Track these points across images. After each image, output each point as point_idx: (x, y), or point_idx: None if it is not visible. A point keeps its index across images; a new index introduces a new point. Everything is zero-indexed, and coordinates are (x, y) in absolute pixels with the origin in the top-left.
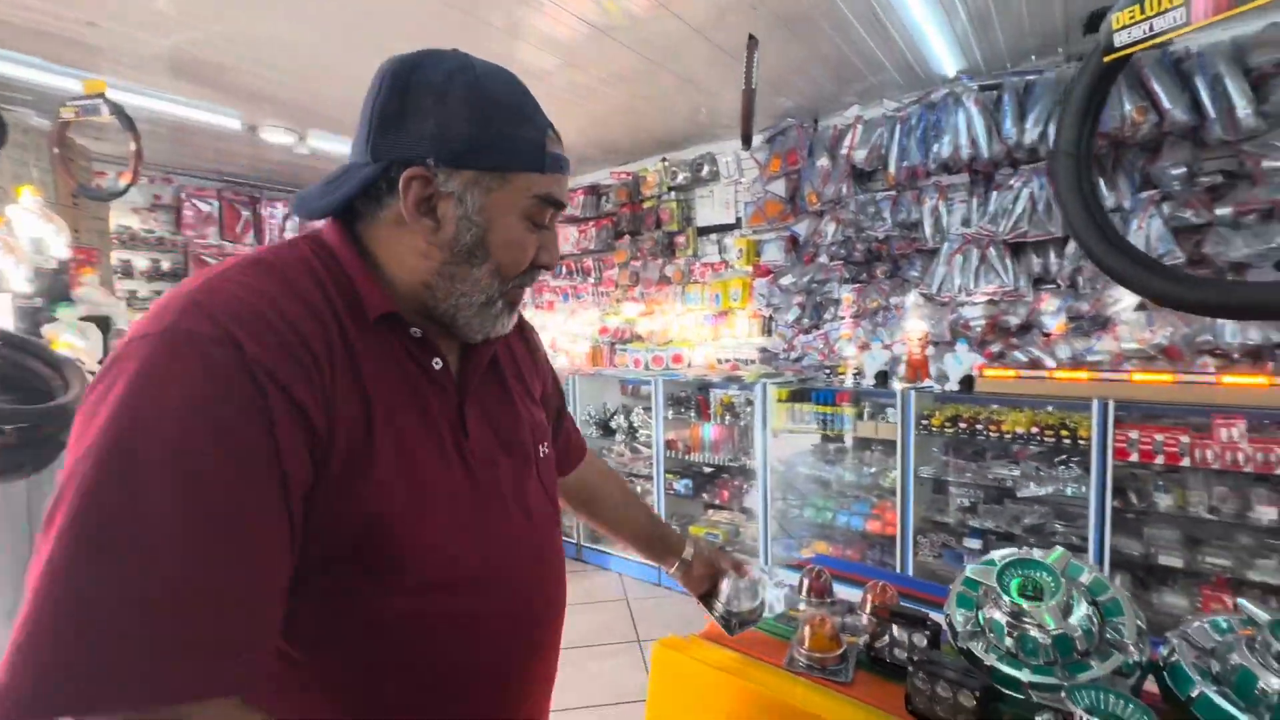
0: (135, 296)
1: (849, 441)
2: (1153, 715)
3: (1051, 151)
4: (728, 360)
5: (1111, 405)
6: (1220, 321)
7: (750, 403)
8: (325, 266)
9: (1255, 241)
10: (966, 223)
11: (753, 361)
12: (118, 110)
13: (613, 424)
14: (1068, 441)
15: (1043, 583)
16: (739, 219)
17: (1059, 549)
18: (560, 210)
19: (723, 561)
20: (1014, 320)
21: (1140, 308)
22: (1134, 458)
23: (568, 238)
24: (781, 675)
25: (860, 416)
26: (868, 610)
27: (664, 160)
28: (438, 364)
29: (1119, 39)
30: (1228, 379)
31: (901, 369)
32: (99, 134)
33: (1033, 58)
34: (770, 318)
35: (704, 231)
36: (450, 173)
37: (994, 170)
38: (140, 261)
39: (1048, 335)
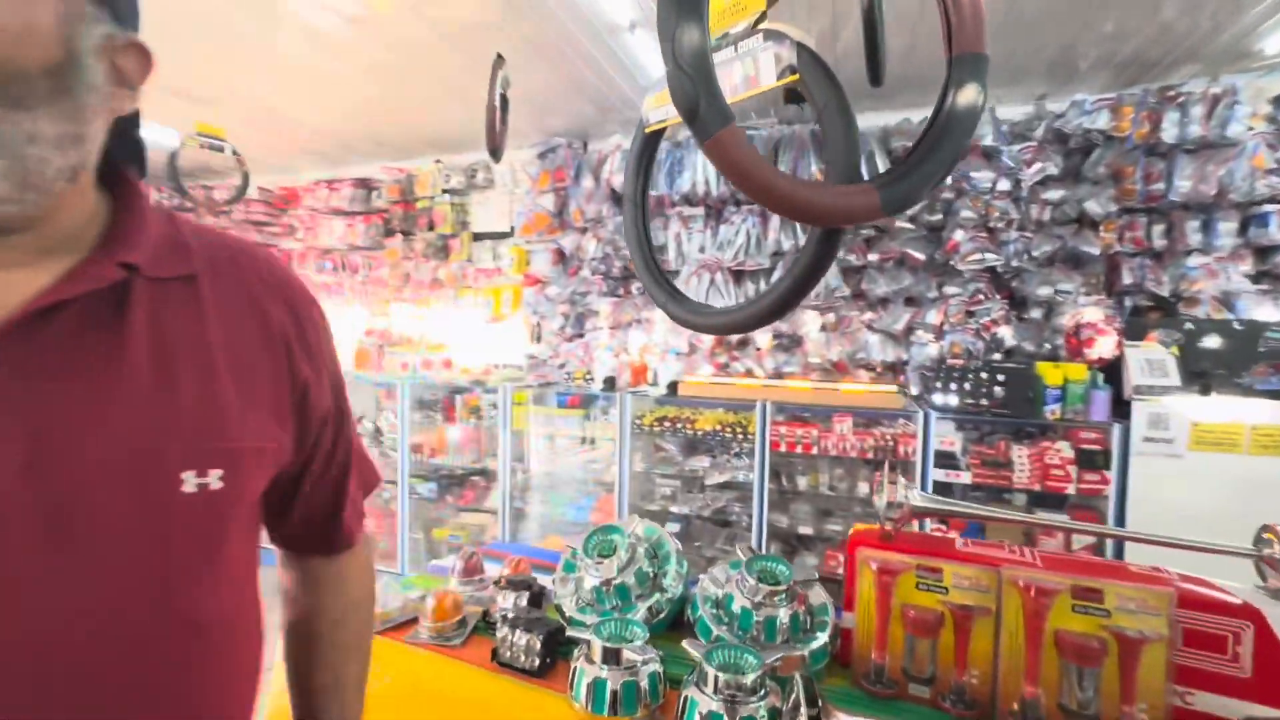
0: None
1: (577, 440)
2: (644, 628)
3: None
4: (502, 365)
5: (769, 405)
6: (871, 342)
7: (495, 405)
8: None
9: (891, 282)
10: (702, 249)
11: (521, 367)
12: None
13: (359, 430)
14: (741, 436)
15: (615, 544)
16: (513, 228)
17: (635, 517)
18: None
19: None
20: (734, 337)
21: (822, 329)
22: (783, 448)
23: (333, 230)
24: (402, 649)
25: (590, 418)
26: (502, 582)
27: (438, 161)
28: None
29: (651, 117)
30: (843, 387)
31: (626, 375)
32: None
33: (752, 115)
34: (538, 325)
35: (480, 237)
36: None
37: (722, 207)
38: None
39: (759, 350)
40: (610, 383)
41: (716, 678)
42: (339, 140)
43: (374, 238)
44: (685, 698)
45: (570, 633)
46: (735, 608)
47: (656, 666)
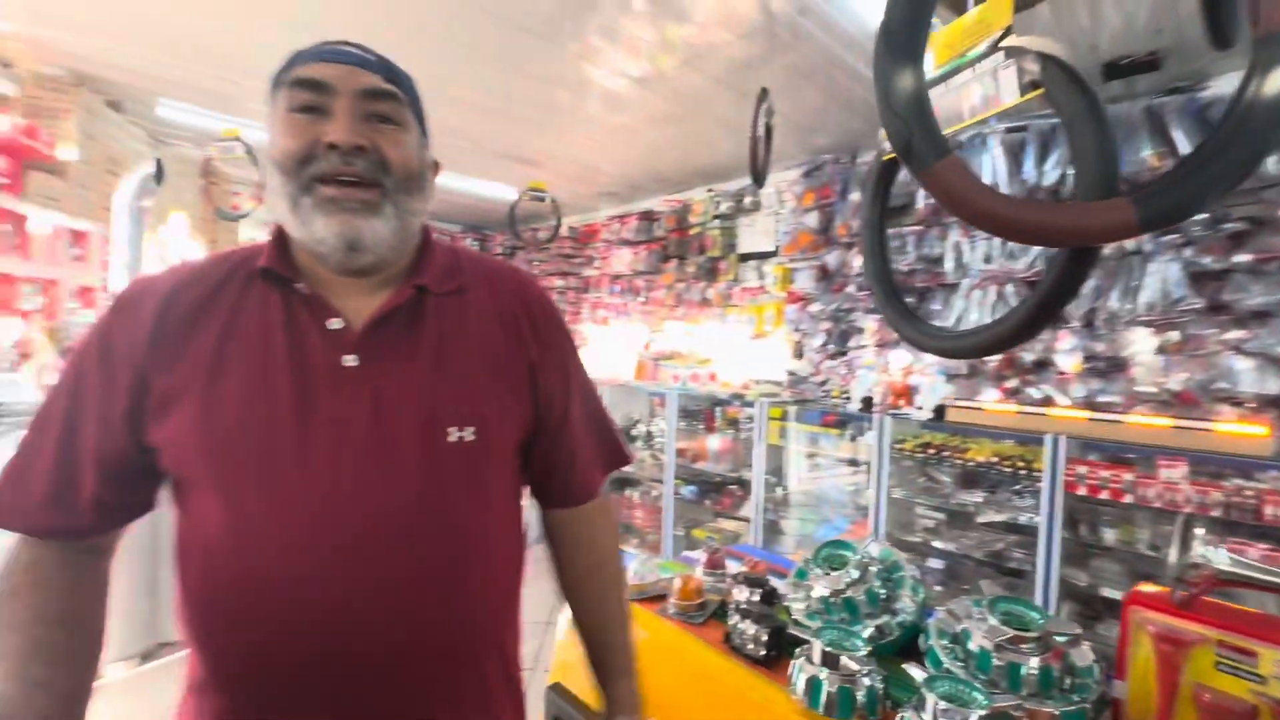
0: None
1: (834, 460)
2: (865, 642)
3: (860, 222)
4: (761, 381)
5: (1064, 441)
6: (1238, 369)
7: (752, 419)
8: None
9: (1275, 289)
10: (988, 259)
11: (781, 383)
12: (248, 149)
13: (634, 432)
14: (1024, 472)
15: (845, 559)
16: (777, 247)
17: (872, 539)
18: (320, 90)
19: None
20: (1029, 357)
21: (1160, 351)
22: (1083, 491)
23: (621, 258)
24: (656, 618)
25: (851, 438)
26: (740, 578)
27: (710, 190)
28: (334, 324)
29: (887, 145)
30: (1174, 423)
31: (884, 395)
32: (238, 163)
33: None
34: (800, 342)
35: (746, 258)
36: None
37: None
38: None
39: (1064, 374)
40: (868, 403)
41: (936, 705)
42: (628, 181)
43: (653, 263)
44: (901, 718)
45: (793, 631)
46: (972, 646)
47: (876, 682)
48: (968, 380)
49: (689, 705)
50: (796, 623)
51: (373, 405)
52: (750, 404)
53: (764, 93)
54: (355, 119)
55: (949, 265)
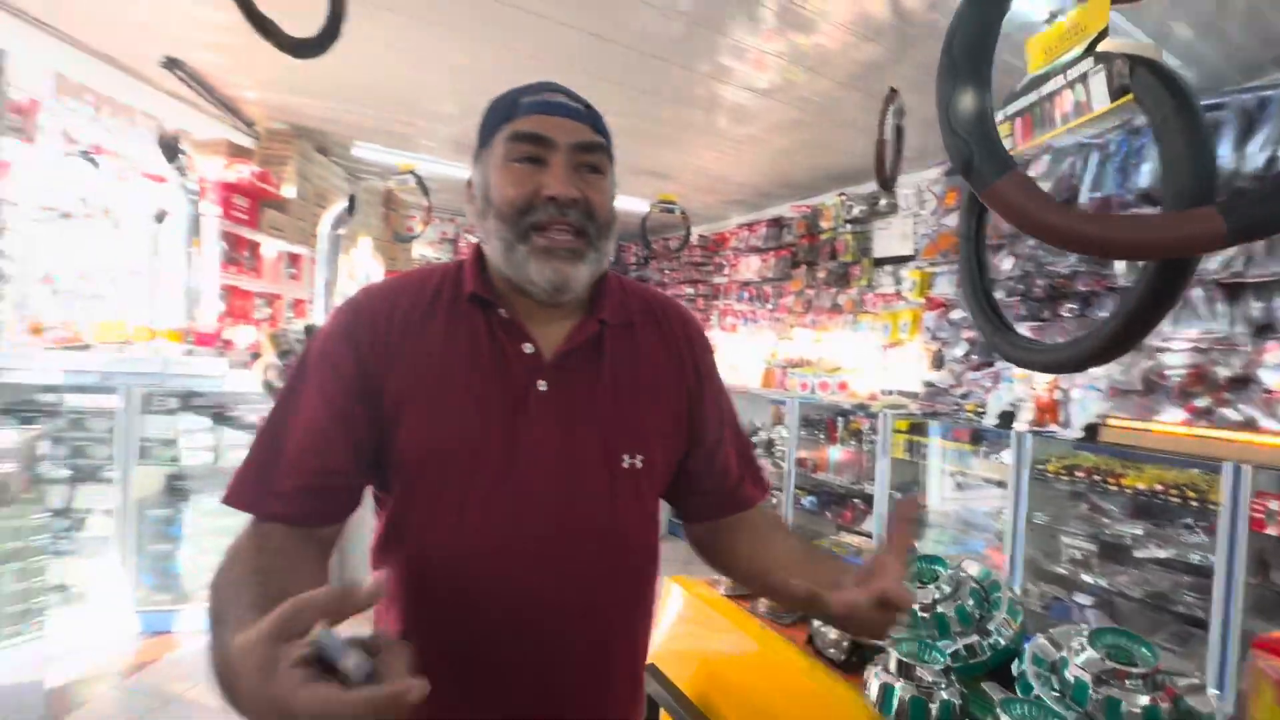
0: None
1: (971, 479)
2: (944, 656)
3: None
4: (892, 391)
5: (1248, 470)
6: None
7: (876, 431)
8: (460, 266)
9: None
10: None
11: (915, 394)
12: (418, 181)
13: (754, 439)
14: (1195, 504)
15: (937, 574)
16: (915, 251)
17: (969, 559)
18: (541, 144)
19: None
20: (1225, 372)
21: None
22: (1272, 531)
23: (750, 265)
24: (746, 616)
25: (985, 456)
26: None
27: (841, 195)
28: (528, 348)
29: None
30: None
31: (1027, 411)
32: (410, 192)
33: (1237, 78)
34: (939, 351)
35: (881, 262)
36: (473, 166)
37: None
38: None
39: (1270, 392)
40: (1006, 418)
41: None
42: (757, 188)
43: (782, 270)
44: None
45: (875, 640)
46: (1068, 675)
47: (954, 698)
48: (1142, 397)
49: (770, 700)
50: None
51: (562, 429)
52: (874, 415)
53: (892, 93)
54: (569, 170)
55: (1119, 266)
